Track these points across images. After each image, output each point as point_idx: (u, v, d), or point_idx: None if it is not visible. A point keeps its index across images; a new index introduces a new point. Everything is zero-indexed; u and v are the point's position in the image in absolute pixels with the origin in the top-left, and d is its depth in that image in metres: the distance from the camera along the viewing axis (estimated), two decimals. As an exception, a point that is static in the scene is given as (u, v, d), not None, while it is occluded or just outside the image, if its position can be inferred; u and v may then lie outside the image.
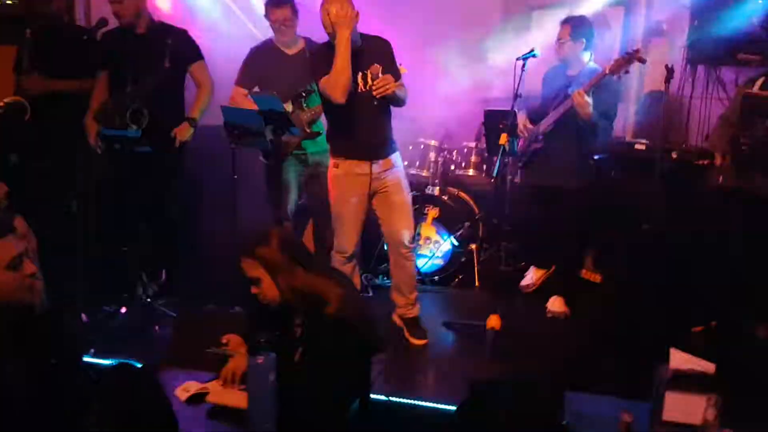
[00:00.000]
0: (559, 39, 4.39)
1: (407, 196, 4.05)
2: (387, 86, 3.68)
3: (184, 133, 4.35)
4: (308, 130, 4.34)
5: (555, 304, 4.64)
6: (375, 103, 3.77)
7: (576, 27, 4.35)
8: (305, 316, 2.55)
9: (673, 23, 5.19)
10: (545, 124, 4.41)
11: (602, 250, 5.07)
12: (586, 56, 4.40)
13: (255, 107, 3.97)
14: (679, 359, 2.22)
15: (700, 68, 5.00)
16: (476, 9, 6.17)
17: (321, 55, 3.79)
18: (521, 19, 6.18)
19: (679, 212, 4.13)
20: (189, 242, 4.95)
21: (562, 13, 4.99)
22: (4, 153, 4.34)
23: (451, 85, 5.39)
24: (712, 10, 4.74)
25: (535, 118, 4.56)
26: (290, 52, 4.51)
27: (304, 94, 4.30)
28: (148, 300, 4.37)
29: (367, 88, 3.77)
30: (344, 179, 3.93)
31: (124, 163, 4.14)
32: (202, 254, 5.01)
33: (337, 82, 3.63)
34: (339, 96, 3.64)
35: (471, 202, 5.42)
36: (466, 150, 5.48)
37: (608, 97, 4.20)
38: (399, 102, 3.87)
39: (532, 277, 4.90)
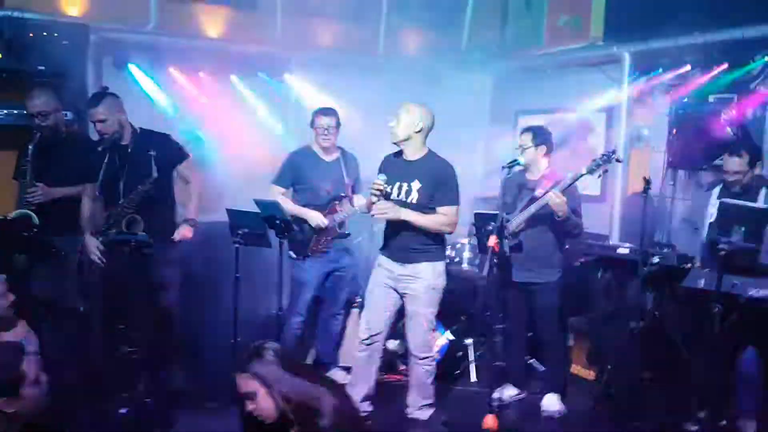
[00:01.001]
0: (521, 146, 4.65)
1: (424, 308, 4.20)
2: (382, 212, 4.03)
3: (187, 234, 4.52)
4: (338, 231, 4.81)
5: (550, 402, 4.72)
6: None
7: (537, 135, 4.63)
8: (301, 429, 2.61)
9: (653, 129, 5.52)
10: (516, 223, 4.57)
11: (595, 346, 5.21)
12: (545, 162, 4.66)
13: (290, 203, 4.56)
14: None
15: (681, 171, 5.27)
16: (465, 111, 6.57)
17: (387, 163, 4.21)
18: (507, 122, 6.56)
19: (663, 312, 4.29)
20: (189, 338, 5.04)
21: (545, 119, 5.33)
22: (11, 255, 4.42)
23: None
24: (690, 118, 5.05)
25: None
26: (328, 158, 4.89)
27: (338, 200, 4.82)
28: (147, 400, 4.41)
29: (400, 198, 4.08)
30: (377, 270, 4.25)
31: (127, 263, 4.26)
32: (203, 350, 5.09)
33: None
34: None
35: (466, 295, 5.56)
36: (459, 245, 5.70)
37: (572, 197, 4.45)
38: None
39: (504, 394, 4.90)
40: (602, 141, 5.97)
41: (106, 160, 4.36)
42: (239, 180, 5.55)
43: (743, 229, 3.76)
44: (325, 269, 4.93)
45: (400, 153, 4.17)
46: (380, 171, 4.16)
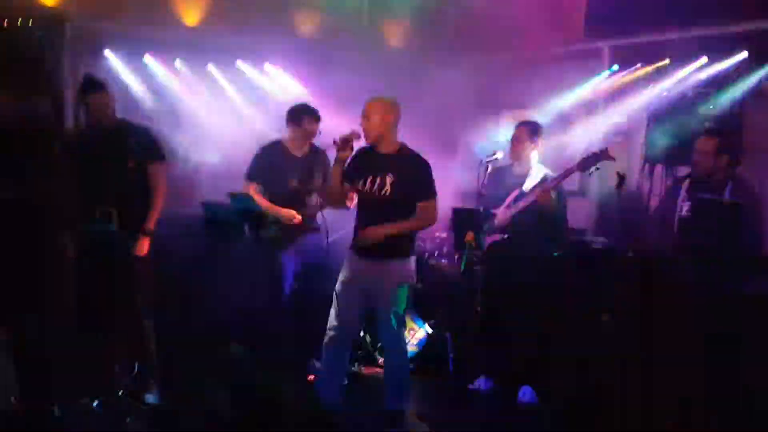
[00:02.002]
0: (517, 140, 4.64)
1: (392, 306, 4.07)
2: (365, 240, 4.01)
3: (143, 248, 4.36)
4: (310, 225, 4.83)
5: (525, 394, 4.74)
6: (378, 207, 4.01)
7: (533, 129, 4.64)
8: None
9: (631, 124, 5.54)
10: (502, 218, 4.58)
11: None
12: (536, 156, 4.66)
13: (260, 200, 4.55)
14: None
15: (659, 167, 5.29)
16: (451, 103, 6.56)
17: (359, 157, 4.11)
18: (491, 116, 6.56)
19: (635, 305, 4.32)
20: (165, 330, 5.00)
21: (527, 114, 5.33)
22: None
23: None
24: (667, 113, 5.07)
25: (486, 211, 4.70)
26: (298, 153, 4.90)
27: (307, 193, 4.84)
28: (121, 392, 4.37)
29: (372, 191, 4.01)
30: (346, 266, 4.17)
31: (99, 251, 4.23)
32: (178, 341, 5.06)
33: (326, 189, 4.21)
34: (328, 203, 4.30)
35: (444, 290, 5.57)
36: (438, 240, 5.69)
37: (562, 203, 4.47)
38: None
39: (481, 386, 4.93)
40: (581, 134, 5.97)
41: (84, 146, 4.32)
42: (217, 170, 5.51)
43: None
44: (304, 261, 4.91)
45: (373, 147, 4.10)
46: (353, 163, 4.08)
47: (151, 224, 4.41)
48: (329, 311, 4.28)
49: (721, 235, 3.79)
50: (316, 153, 4.97)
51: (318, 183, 4.90)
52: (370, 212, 4.06)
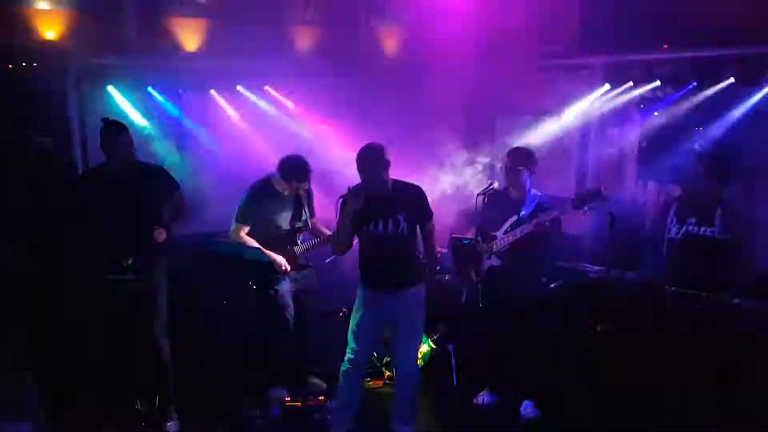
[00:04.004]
0: (513, 166, 4.74)
1: (419, 327, 4.42)
2: None
3: (162, 236, 4.47)
4: (299, 264, 5.02)
5: (527, 408, 4.98)
6: (394, 244, 4.23)
7: (528, 157, 4.77)
8: None
9: (626, 138, 5.67)
10: (500, 244, 4.75)
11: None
12: (529, 182, 4.80)
13: (251, 241, 4.76)
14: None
15: (651, 183, 5.44)
16: (446, 110, 6.67)
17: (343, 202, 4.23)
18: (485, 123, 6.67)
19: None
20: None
21: (521, 120, 5.42)
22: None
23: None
24: (659, 133, 5.20)
25: (483, 237, 4.86)
26: (286, 193, 5.00)
27: (297, 232, 5.01)
28: (143, 424, 4.61)
29: (388, 231, 4.20)
30: (365, 306, 4.36)
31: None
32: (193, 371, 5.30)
33: (334, 241, 4.35)
34: (336, 251, 4.37)
35: (446, 302, 5.75)
36: (439, 255, 5.84)
37: (557, 223, 4.63)
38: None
39: (484, 399, 5.15)
40: (576, 145, 6.10)
41: (101, 190, 4.39)
42: (221, 193, 5.65)
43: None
44: (294, 288, 5.11)
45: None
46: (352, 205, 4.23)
47: (172, 222, 4.56)
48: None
49: (707, 268, 3.96)
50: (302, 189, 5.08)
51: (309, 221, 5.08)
52: (381, 249, 4.24)
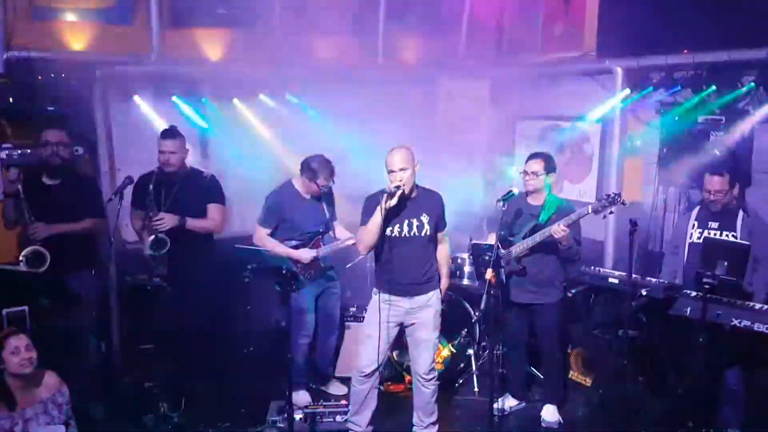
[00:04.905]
0: (533, 172, 4.77)
1: (433, 332, 4.49)
2: None
3: (171, 222, 4.78)
4: (322, 265, 5.11)
5: (548, 413, 5.00)
6: (416, 248, 4.31)
7: (548, 162, 4.79)
8: None
9: (646, 142, 5.66)
10: (519, 249, 4.77)
11: (589, 351, 5.46)
12: (549, 187, 4.83)
13: (275, 245, 4.94)
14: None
15: (672, 188, 5.43)
16: (466, 115, 6.71)
17: (372, 201, 4.30)
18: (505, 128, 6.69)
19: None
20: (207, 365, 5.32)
21: (541, 125, 5.43)
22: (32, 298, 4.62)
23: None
24: (680, 138, 5.19)
25: (502, 242, 4.85)
26: (307, 196, 5.10)
27: (320, 234, 5.11)
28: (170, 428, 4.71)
29: (411, 234, 4.28)
30: (382, 308, 4.38)
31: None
32: (218, 374, 5.40)
33: (362, 238, 4.29)
34: (362, 249, 4.35)
35: (467, 307, 5.80)
36: (459, 260, 5.90)
37: (576, 227, 4.65)
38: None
39: (505, 404, 5.16)
40: (596, 150, 6.10)
41: (152, 194, 4.73)
42: (245, 201, 5.75)
43: (726, 263, 3.94)
44: (316, 292, 5.20)
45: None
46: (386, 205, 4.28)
47: (193, 222, 4.88)
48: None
49: (729, 273, 3.96)
50: (324, 191, 5.14)
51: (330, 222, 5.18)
52: (403, 252, 4.32)
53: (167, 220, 4.75)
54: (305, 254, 5.02)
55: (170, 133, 4.90)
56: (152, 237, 4.69)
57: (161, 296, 4.74)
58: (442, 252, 4.57)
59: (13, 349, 3.65)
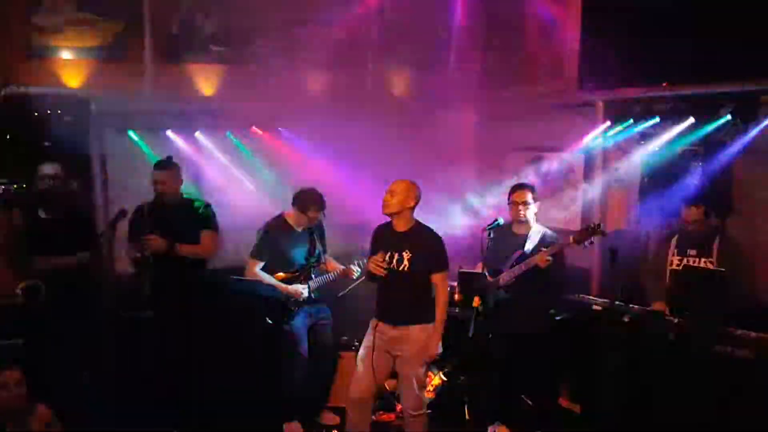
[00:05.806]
0: (523, 202, 4.91)
1: (415, 370, 4.46)
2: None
3: (160, 245, 4.89)
4: (313, 297, 5.19)
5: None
6: (398, 280, 4.40)
7: (533, 192, 4.95)
8: None
9: (627, 172, 5.81)
10: (506, 278, 4.89)
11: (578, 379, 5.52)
12: (533, 216, 4.97)
13: (266, 276, 5.00)
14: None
15: (653, 217, 5.56)
16: (455, 150, 6.84)
17: (379, 234, 4.49)
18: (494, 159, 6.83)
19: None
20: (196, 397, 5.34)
21: (530, 156, 5.55)
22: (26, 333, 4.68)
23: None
24: (660, 169, 5.35)
25: (490, 271, 5.00)
26: (299, 229, 5.21)
27: (311, 267, 5.21)
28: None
29: (391, 267, 4.38)
30: (371, 333, 4.51)
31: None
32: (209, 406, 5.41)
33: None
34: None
35: (456, 335, 5.84)
36: (449, 288, 5.96)
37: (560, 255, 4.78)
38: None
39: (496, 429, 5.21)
40: (581, 180, 6.24)
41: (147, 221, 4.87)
42: (236, 232, 5.82)
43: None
44: (308, 323, 5.28)
45: (389, 224, 4.47)
46: (372, 242, 4.48)
47: (184, 247, 4.97)
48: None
49: (706, 299, 4.08)
50: (316, 225, 5.30)
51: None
52: (389, 284, 4.43)
53: (158, 242, 4.87)
54: (298, 290, 5.13)
55: (163, 164, 5.04)
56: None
57: (152, 329, 4.81)
58: (438, 298, 4.48)
59: (2, 384, 3.66)
